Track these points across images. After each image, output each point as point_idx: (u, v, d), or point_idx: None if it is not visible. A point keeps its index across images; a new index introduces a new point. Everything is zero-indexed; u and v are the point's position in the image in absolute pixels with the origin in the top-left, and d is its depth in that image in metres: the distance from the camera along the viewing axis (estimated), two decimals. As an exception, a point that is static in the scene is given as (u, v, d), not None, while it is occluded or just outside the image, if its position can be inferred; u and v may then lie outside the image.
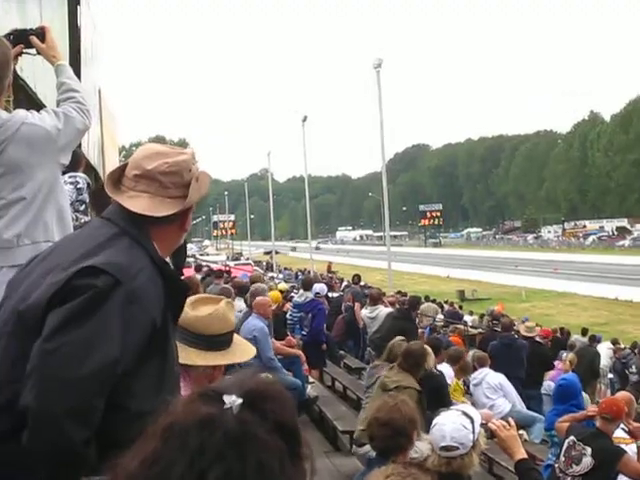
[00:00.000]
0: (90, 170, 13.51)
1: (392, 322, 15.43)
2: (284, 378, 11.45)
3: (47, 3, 10.80)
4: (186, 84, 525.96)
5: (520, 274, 79.94)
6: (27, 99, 8.93)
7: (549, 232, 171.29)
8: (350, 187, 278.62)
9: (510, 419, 5.70)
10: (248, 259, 72.13)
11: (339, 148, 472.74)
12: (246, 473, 1.47)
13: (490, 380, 13.37)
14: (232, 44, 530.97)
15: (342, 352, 20.00)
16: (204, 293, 11.86)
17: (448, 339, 20.01)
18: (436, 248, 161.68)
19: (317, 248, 67.59)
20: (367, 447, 7.05)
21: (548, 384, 15.46)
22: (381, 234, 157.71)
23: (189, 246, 22.50)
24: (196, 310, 3.91)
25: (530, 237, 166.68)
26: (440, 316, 31.56)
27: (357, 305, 20.62)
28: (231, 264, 46.73)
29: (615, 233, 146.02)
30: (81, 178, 7.51)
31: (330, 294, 24.47)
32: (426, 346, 10.25)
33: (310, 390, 13.52)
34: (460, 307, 42.55)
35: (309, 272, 47.33)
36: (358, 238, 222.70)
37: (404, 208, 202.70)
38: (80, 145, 8.10)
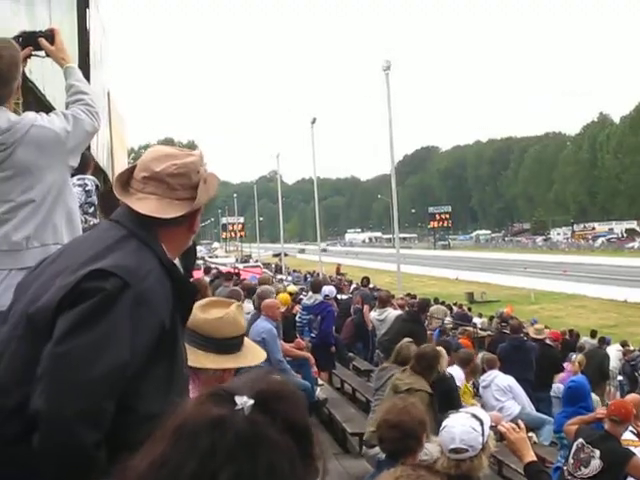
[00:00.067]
0: (99, 172, 13.54)
1: (401, 324, 15.42)
2: (293, 380, 11.44)
3: (56, 6, 10.84)
4: (195, 86, 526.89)
5: (529, 276, 79.77)
6: (36, 101, 8.97)
7: (558, 234, 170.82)
8: (359, 189, 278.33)
9: (520, 421, 5.69)
10: (257, 261, 72.35)
11: (348, 150, 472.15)
12: (257, 475, 1.46)
13: (499, 382, 13.36)
14: (241, 46, 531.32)
15: (351, 354, 19.99)
16: (213, 295, 11.88)
17: (457, 341, 20.00)
18: (445, 250, 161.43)
19: (323, 250, 67.50)
20: (377, 449, 7.05)
21: (557, 386, 15.43)
22: (390, 236, 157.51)
23: (198, 248, 22.54)
24: (206, 313, 3.90)
25: (539, 239, 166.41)
26: (448, 318, 31.55)
27: (366, 307, 20.62)
28: (240, 266, 46.81)
29: (624, 235, 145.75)
30: (90, 180, 7.51)
31: (339, 296, 24.47)
32: (440, 348, 10.27)
33: (319, 392, 13.53)
34: (469, 309, 42.46)
35: (318, 274, 47.40)
36: (367, 240, 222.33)
37: (413, 210, 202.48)
38: (89, 147, 8.10)
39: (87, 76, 7.84)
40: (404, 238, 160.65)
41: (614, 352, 24.80)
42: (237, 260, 71.13)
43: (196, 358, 3.70)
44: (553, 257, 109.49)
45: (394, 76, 37.41)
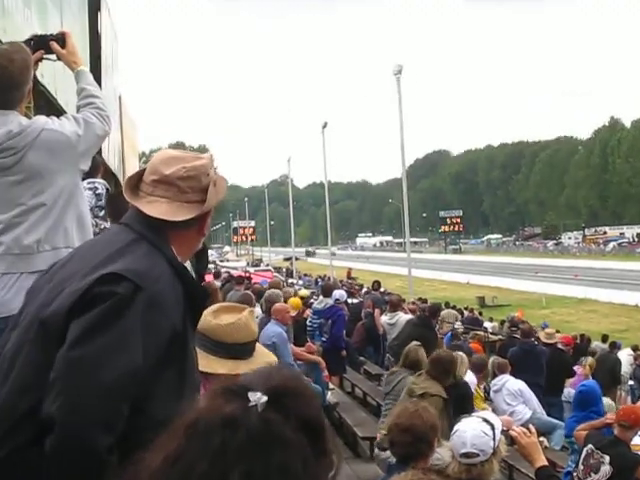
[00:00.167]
0: (110, 176, 13.57)
1: (411, 329, 15.39)
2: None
3: (68, 10, 10.87)
4: (206, 90, 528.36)
5: (540, 280, 79.59)
6: (47, 105, 8.98)
7: (569, 238, 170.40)
8: (370, 193, 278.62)
9: (531, 426, 5.67)
10: (268, 265, 72.25)
11: (359, 154, 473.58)
12: (269, 474, 1.45)
13: (510, 386, 13.33)
14: (253, 51, 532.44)
15: (362, 358, 19.99)
16: (223, 299, 11.90)
17: (468, 345, 19.96)
18: (456, 254, 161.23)
19: (332, 254, 67.52)
20: (389, 452, 7.04)
21: (568, 391, 15.41)
22: (401, 240, 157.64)
23: (209, 252, 22.53)
24: (218, 319, 3.89)
25: (550, 243, 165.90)
26: (458, 323, 31.48)
27: (377, 311, 20.62)
28: (251, 270, 46.80)
29: (636, 239, 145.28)
30: (100, 184, 7.52)
31: (350, 300, 24.48)
32: (462, 354, 10.25)
33: (330, 396, 13.53)
34: (480, 313, 42.46)
35: (329, 278, 47.37)
36: (378, 244, 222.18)
37: (424, 214, 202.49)
38: (100, 151, 8.12)
39: (98, 80, 7.87)
40: (415, 242, 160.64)
41: (625, 357, 24.71)
42: (248, 264, 71.04)
43: (208, 363, 3.70)
44: (564, 261, 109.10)
45: (405, 80, 37.33)
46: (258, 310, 13.41)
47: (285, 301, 13.90)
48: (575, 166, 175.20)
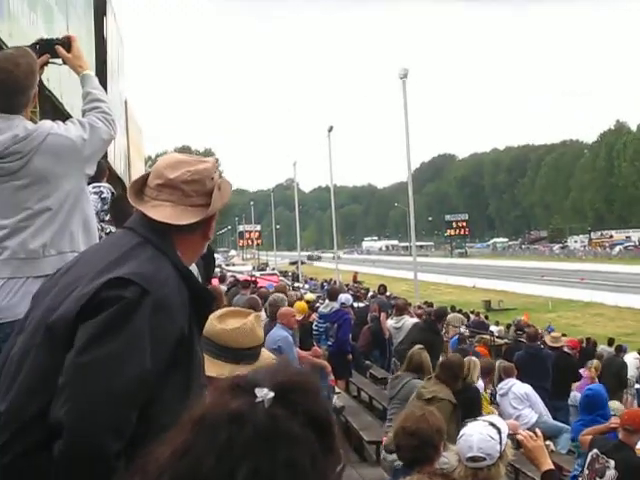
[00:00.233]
0: (116, 180, 13.58)
1: (418, 333, 15.40)
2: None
3: (73, 14, 10.89)
4: (212, 94, 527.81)
5: (546, 284, 79.47)
6: (53, 110, 9.01)
7: (575, 242, 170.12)
8: (376, 197, 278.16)
9: (537, 429, 5.66)
10: (274, 269, 72.34)
11: (365, 158, 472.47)
12: (276, 471, 1.45)
13: (516, 390, 13.32)
14: (258, 55, 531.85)
15: (368, 362, 19.99)
16: (229, 303, 11.89)
17: (474, 349, 19.96)
18: (462, 258, 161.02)
19: (338, 258, 67.41)
20: (396, 455, 7.04)
21: (575, 395, 15.37)
22: (407, 244, 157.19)
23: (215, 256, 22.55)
24: (224, 323, 3.88)
25: (556, 247, 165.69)
26: (463, 327, 31.46)
27: (383, 315, 20.60)
28: (257, 274, 46.83)
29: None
30: (105, 188, 7.54)
31: (356, 304, 24.45)
32: (474, 359, 10.25)
33: (336, 400, 13.53)
34: (486, 317, 42.35)
35: (335, 282, 47.32)
36: (384, 248, 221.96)
37: (430, 218, 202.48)
38: (106, 155, 8.14)
39: (104, 84, 7.88)
40: (421, 246, 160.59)
41: (631, 360, 24.68)
42: (254, 268, 71.11)
43: (213, 367, 3.70)
44: (570, 265, 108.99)
45: (411, 84, 37.45)
46: (264, 314, 13.42)
47: (291, 305, 13.89)
48: (581, 169, 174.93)
